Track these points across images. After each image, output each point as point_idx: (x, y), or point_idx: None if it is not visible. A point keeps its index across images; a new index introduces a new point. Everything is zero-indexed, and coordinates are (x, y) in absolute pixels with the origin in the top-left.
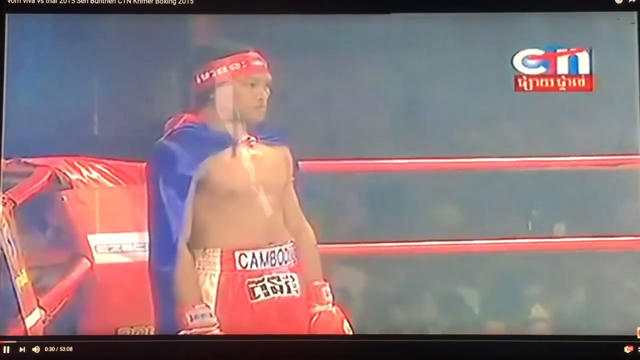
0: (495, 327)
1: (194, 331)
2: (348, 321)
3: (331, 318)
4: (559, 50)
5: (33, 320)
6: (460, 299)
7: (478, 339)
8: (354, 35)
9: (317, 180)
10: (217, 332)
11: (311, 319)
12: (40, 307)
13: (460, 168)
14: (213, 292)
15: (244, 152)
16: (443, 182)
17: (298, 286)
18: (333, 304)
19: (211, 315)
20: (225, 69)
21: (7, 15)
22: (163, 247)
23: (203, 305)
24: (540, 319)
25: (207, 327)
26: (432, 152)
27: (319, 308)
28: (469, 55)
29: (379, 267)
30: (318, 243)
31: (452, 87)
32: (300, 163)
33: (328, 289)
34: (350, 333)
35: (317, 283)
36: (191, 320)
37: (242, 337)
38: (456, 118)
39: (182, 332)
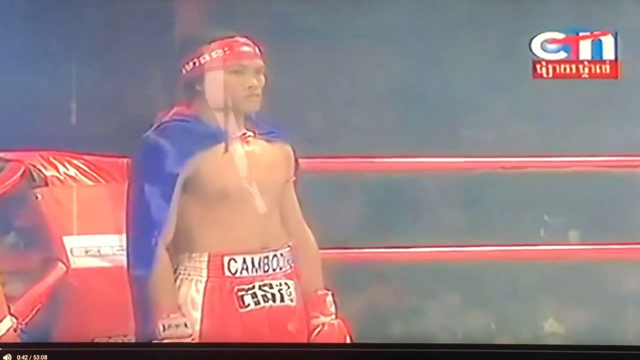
0: (506, 339)
1: (167, 342)
2: (350, 336)
3: (335, 331)
4: (581, 34)
5: (3, 329)
6: (467, 309)
7: (488, 348)
8: (356, 19)
9: (317, 179)
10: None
11: (313, 330)
12: (12, 315)
13: (470, 168)
14: (199, 299)
15: (238, 148)
16: (451, 183)
17: (293, 295)
18: (336, 316)
19: (186, 326)
20: (207, 57)
21: None
22: (141, 250)
23: (178, 314)
24: (553, 331)
25: (181, 338)
26: (440, 150)
27: (323, 319)
28: (482, 39)
29: (382, 274)
30: (321, 248)
31: (464, 76)
32: (300, 161)
33: (331, 298)
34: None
35: (320, 292)
36: (164, 330)
37: (228, 345)
38: (468, 110)
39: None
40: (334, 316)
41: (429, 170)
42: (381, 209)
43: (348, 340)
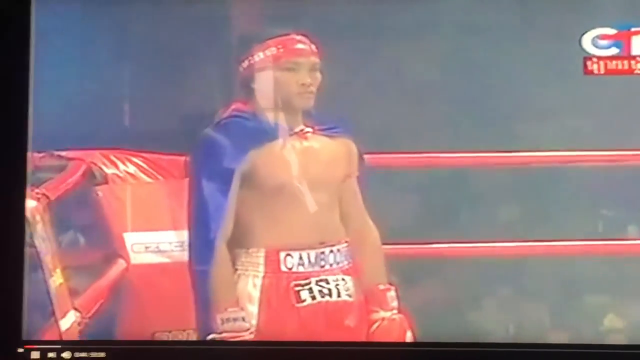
0: (562, 337)
1: (224, 335)
2: (412, 331)
3: (394, 326)
4: (633, 29)
5: (68, 323)
6: (525, 306)
7: (548, 348)
8: (410, 19)
9: (379, 175)
10: (249, 337)
11: (371, 325)
12: (75, 309)
13: (525, 163)
14: (256, 294)
15: (295, 144)
16: (506, 178)
17: (351, 290)
18: (398, 311)
19: (244, 320)
20: (261, 55)
21: (33, 3)
22: (201, 245)
23: (237, 308)
24: (613, 329)
25: (239, 331)
26: (494, 145)
27: (382, 314)
28: (532, 36)
29: (443, 270)
30: (383, 244)
31: (515, 73)
32: (365, 157)
33: (393, 293)
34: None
35: (381, 287)
36: (222, 323)
37: (286, 343)
38: (520, 107)
39: (211, 336)
40: (395, 311)
41: (485, 166)
42: (440, 204)
43: (409, 336)
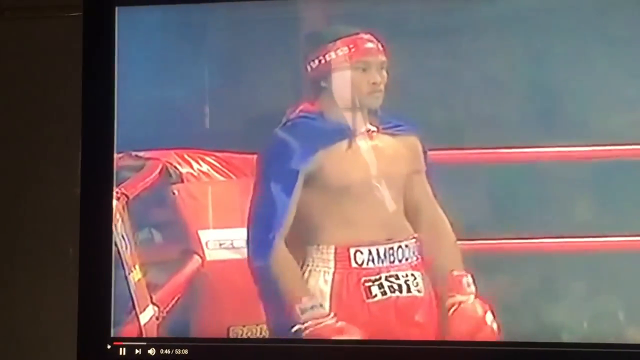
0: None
1: (308, 324)
2: (492, 312)
3: (473, 308)
4: None
5: (147, 317)
6: (600, 303)
7: (621, 348)
8: (476, 14)
9: (446, 172)
10: (331, 322)
11: (449, 309)
12: (154, 304)
13: (598, 156)
14: (327, 290)
15: (362, 144)
16: (579, 172)
17: (421, 285)
18: (476, 296)
19: (321, 306)
20: (333, 55)
21: (117, 9)
22: (259, 242)
23: (309, 297)
24: None
25: (319, 318)
26: (566, 139)
27: (459, 298)
28: (611, 27)
29: (515, 266)
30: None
31: (592, 66)
32: (429, 153)
33: (470, 279)
34: (495, 327)
35: (456, 273)
36: (302, 313)
37: (361, 342)
38: (596, 101)
39: (296, 327)
40: (472, 296)
41: (556, 159)
42: (511, 200)
43: (489, 317)
